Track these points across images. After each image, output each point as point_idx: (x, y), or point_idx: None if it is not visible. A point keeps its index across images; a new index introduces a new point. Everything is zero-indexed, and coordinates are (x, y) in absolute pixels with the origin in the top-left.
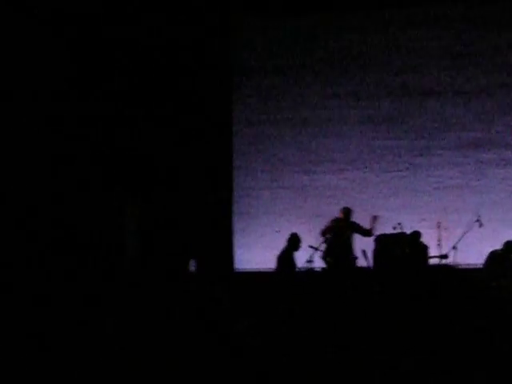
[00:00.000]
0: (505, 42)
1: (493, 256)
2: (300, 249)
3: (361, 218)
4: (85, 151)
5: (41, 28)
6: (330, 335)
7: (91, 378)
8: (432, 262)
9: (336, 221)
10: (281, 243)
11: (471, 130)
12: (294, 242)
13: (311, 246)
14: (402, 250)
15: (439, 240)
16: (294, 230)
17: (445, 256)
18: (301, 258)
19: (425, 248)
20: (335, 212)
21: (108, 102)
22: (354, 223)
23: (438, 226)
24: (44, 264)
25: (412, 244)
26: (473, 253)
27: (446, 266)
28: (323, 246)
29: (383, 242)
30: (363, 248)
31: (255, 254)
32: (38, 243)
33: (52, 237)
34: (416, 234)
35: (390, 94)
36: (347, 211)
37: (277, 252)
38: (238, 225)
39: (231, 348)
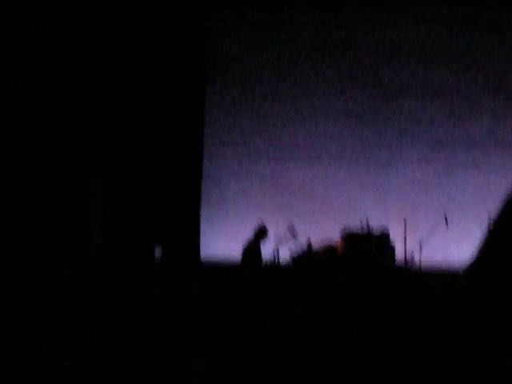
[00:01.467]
0: (476, 41)
1: None
2: (266, 239)
3: (327, 212)
4: (48, 141)
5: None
6: (293, 327)
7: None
8: (398, 262)
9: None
10: (248, 233)
11: (442, 128)
12: (260, 232)
13: (278, 239)
14: (369, 248)
15: (405, 238)
16: (262, 221)
17: (411, 257)
18: (268, 249)
19: (392, 248)
20: (304, 205)
21: (76, 92)
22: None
23: (405, 223)
24: (6, 254)
25: (380, 243)
26: (438, 252)
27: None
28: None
29: (350, 239)
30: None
31: (222, 242)
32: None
33: (15, 224)
34: (385, 234)
35: (361, 90)
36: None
37: (243, 242)
38: (205, 214)
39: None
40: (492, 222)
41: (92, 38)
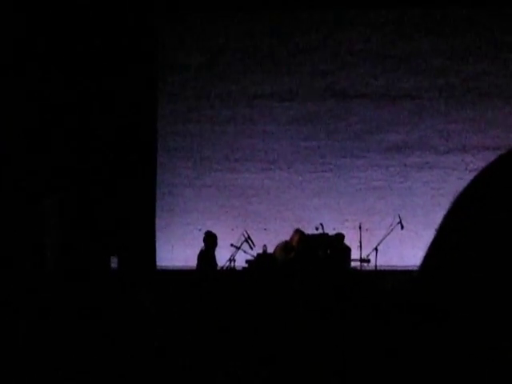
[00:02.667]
0: (429, 46)
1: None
2: (217, 246)
3: (282, 218)
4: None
5: None
6: (248, 335)
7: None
8: (354, 264)
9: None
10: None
11: (395, 132)
12: (209, 240)
13: (233, 245)
14: (324, 251)
15: (360, 241)
16: (216, 229)
17: (367, 260)
18: (223, 257)
19: (347, 250)
20: (258, 211)
21: (28, 100)
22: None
23: (360, 228)
24: None
25: (335, 246)
26: (394, 255)
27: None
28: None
29: (305, 242)
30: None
31: (178, 251)
32: None
33: None
34: (339, 236)
35: (313, 94)
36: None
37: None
38: (160, 222)
39: (152, 348)
40: (440, 223)
41: (39, 48)
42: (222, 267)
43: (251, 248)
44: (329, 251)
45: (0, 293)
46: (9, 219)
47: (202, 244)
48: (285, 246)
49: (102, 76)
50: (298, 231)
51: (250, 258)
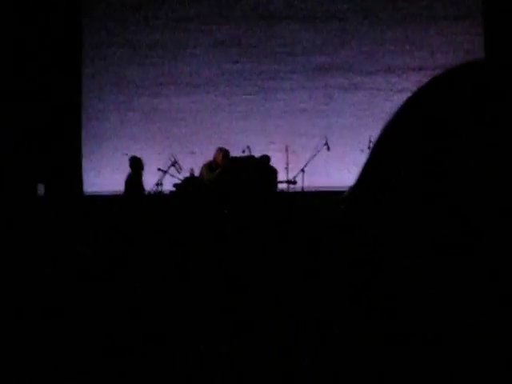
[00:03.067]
0: None
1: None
2: (143, 170)
3: (210, 141)
4: None
5: None
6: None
7: None
8: (281, 186)
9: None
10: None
11: (320, 54)
12: (135, 165)
13: (160, 169)
14: (251, 174)
15: (287, 164)
16: (143, 154)
17: (293, 182)
18: (151, 181)
19: (274, 172)
20: (185, 135)
21: None
22: None
23: (287, 150)
24: None
25: (261, 168)
26: (321, 176)
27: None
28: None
29: (233, 164)
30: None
31: (105, 177)
32: None
33: None
34: (265, 158)
35: (239, 17)
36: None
37: (125, 176)
38: (86, 148)
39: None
40: (373, 144)
41: None
42: (150, 191)
43: (178, 172)
44: (256, 173)
45: None
46: None
47: (129, 169)
48: (209, 165)
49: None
50: (221, 149)
51: (177, 181)
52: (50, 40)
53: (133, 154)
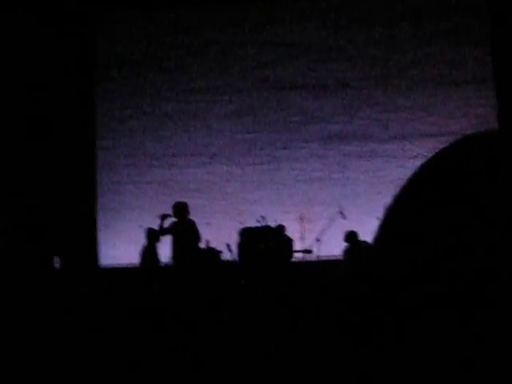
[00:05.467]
0: (366, 35)
1: (345, 253)
2: (158, 243)
3: (225, 211)
4: None
5: None
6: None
7: None
8: (296, 256)
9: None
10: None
11: (333, 122)
12: (151, 236)
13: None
14: (267, 243)
15: (302, 232)
16: (157, 225)
17: (309, 251)
18: (167, 253)
19: (289, 241)
20: (200, 206)
21: None
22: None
23: (302, 219)
24: None
25: (276, 237)
26: (336, 245)
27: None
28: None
29: (248, 235)
30: (227, 242)
31: (120, 249)
32: None
33: None
34: (280, 228)
35: (251, 87)
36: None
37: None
38: (102, 220)
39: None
40: (386, 208)
41: None
42: (166, 263)
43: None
44: (272, 243)
45: None
46: None
47: (145, 240)
48: None
49: (39, 74)
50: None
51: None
52: (64, 113)
53: (148, 225)
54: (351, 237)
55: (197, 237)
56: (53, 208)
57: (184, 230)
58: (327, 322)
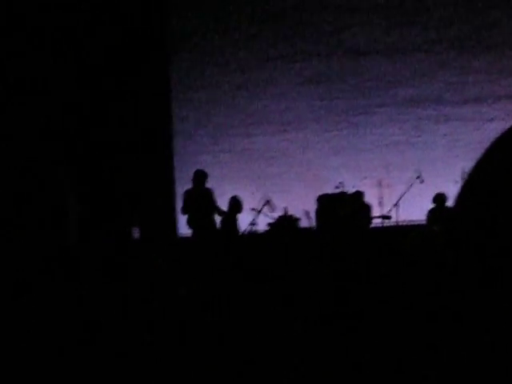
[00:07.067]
0: None
1: (429, 213)
2: (242, 211)
3: (302, 178)
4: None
5: None
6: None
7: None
8: (375, 222)
9: None
10: (223, 207)
11: (409, 86)
12: (235, 205)
13: (254, 209)
14: (345, 209)
15: (381, 198)
16: (236, 194)
17: (388, 217)
18: (245, 221)
19: (368, 208)
20: (277, 174)
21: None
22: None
23: (380, 184)
24: None
25: (355, 204)
26: (415, 209)
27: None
28: (266, 208)
29: (326, 202)
30: (305, 208)
31: None
32: None
33: None
34: (359, 194)
35: (326, 53)
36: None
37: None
38: (180, 191)
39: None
40: (469, 171)
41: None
42: (244, 231)
43: (272, 211)
44: (350, 210)
45: (24, 265)
46: (28, 190)
47: (226, 209)
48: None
49: (113, 47)
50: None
51: (271, 220)
52: (139, 83)
53: (225, 195)
54: (439, 199)
55: (212, 206)
56: (131, 179)
57: (200, 197)
58: (408, 289)
